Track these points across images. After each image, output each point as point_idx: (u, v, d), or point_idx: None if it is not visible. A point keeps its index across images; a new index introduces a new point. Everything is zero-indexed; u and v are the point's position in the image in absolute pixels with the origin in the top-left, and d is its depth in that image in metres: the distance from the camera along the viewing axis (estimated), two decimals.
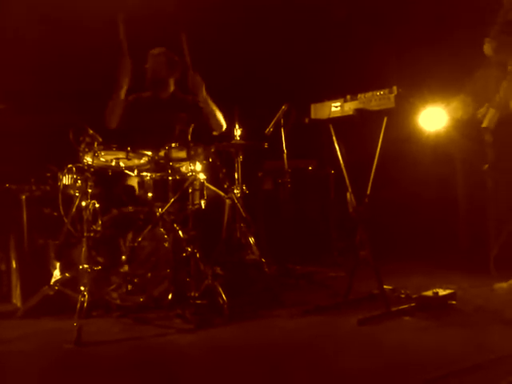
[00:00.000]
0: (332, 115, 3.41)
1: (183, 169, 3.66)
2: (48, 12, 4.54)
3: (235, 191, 4.17)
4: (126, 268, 3.27)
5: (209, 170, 3.83)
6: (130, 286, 3.24)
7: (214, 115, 4.11)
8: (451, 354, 2.54)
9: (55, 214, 3.38)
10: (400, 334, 2.89)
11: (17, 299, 3.50)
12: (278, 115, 4.44)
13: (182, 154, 3.51)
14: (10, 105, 4.30)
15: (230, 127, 4.27)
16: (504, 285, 3.65)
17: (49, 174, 3.61)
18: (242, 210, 4.05)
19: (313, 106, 3.50)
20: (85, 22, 4.57)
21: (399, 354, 2.56)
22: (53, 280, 3.28)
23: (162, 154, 3.47)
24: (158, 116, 4.04)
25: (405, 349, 2.64)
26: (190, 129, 4.19)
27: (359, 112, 3.29)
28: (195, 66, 4.08)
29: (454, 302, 3.30)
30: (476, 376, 2.28)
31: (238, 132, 4.26)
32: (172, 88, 4.20)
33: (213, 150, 3.85)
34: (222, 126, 4.17)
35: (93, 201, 3.22)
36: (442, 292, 3.29)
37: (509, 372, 2.25)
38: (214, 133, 4.20)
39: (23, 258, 3.42)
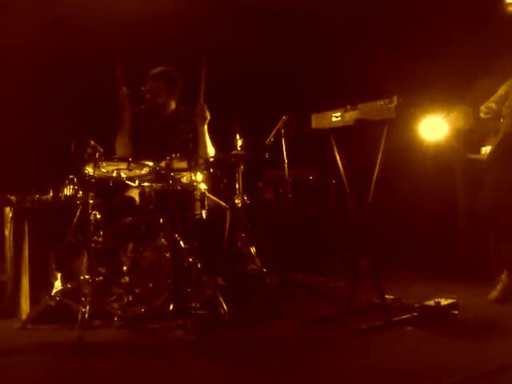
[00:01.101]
0: (332, 125, 3.42)
1: (184, 179, 3.67)
2: (51, 17, 4.57)
3: (236, 201, 4.18)
4: (127, 278, 3.27)
5: (210, 180, 3.84)
6: (131, 297, 3.23)
7: (205, 147, 4.07)
8: (453, 364, 2.54)
9: (57, 224, 3.39)
10: (401, 344, 2.88)
11: (18, 309, 3.50)
12: (278, 125, 4.46)
13: (183, 165, 3.52)
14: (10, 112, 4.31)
15: (231, 137, 4.28)
16: (495, 293, 3.64)
17: (50, 185, 3.61)
18: (243, 219, 4.05)
19: (313, 116, 3.52)
20: (87, 27, 4.60)
21: (400, 365, 2.56)
22: (54, 290, 3.27)
23: (163, 164, 3.48)
24: (159, 127, 4.04)
25: (406, 359, 2.63)
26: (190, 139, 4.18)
27: (359, 122, 3.30)
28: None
29: (456, 312, 3.29)
30: None
31: (238, 142, 4.27)
32: (173, 106, 4.13)
33: (213, 161, 3.87)
34: (207, 155, 4.08)
35: (94, 211, 3.22)
36: (443, 302, 3.28)
37: (510, 381, 2.24)
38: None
39: (25, 268, 3.42)
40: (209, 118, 4.04)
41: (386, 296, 3.26)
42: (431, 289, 3.91)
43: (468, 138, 4.07)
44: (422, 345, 2.84)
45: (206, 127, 4.06)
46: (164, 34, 4.73)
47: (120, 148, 3.93)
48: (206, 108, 4.03)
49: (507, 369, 2.39)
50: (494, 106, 3.85)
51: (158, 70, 4.03)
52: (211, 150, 4.13)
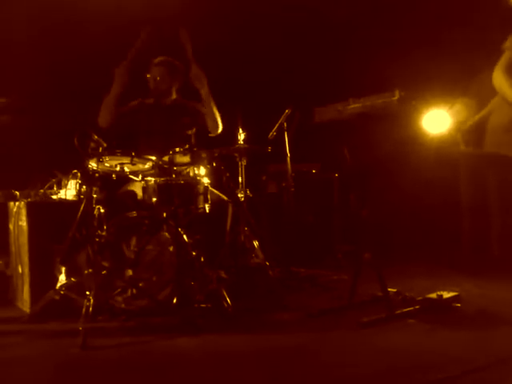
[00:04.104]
0: (335, 118, 3.42)
1: (187, 173, 3.68)
2: (50, 13, 4.56)
3: (239, 195, 4.19)
4: (130, 272, 3.29)
5: (213, 174, 3.85)
6: (134, 290, 3.25)
7: (213, 115, 4.09)
8: (455, 356, 2.55)
9: (60, 219, 3.40)
10: (404, 336, 2.89)
11: (22, 304, 3.53)
12: (281, 119, 4.46)
13: (186, 159, 3.53)
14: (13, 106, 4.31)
15: (234, 131, 4.29)
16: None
17: (54, 180, 3.63)
18: (246, 213, 4.06)
19: (316, 110, 3.52)
20: (88, 23, 4.60)
21: (402, 357, 2.57)
22: (58, 284, 3.30)
23: (166, 158, 3.49)
24: (161, 121, 4.06)
25: (408, 351, 2.64)
26: (193, 133, 4.21)
27: (362, 116, 3.29)
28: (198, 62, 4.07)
29: (458, 305, 3.31)
30: (478, 378, 2.29)
31: (241, 136, 4.28)
32: (175, 95, 4.22)
33: (216, 155, 3.88)
34: (218, 127, 4.11)
35: (98, 206, 3.24)
36: (446, 294, 3.30)
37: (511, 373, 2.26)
38: (210, 134, 4.17)
39: (29, 262, 3.44)
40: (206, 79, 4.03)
41: (389, 289, 3.27)
42: (434, 282, 3.92)
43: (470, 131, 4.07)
44: (423, 337, 2.85)
45: (207, 90, 4.03)
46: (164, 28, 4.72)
47: (104, 115, 3.98)
48: (199, 68, 4.02)
49: (507, 361, 2.40)
50: None
51: (160, 57, 4.15)
52: (218, 118, 4.10)
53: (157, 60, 4.16)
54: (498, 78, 3.73)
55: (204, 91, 4.05)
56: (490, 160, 4.10)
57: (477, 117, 3.99)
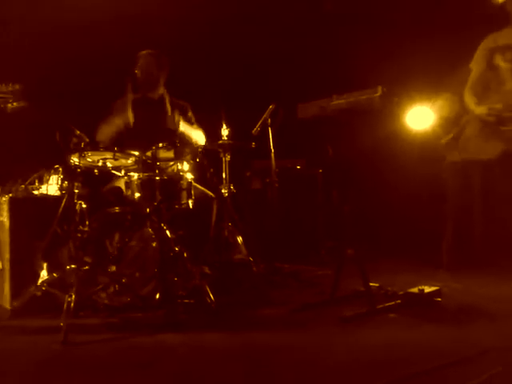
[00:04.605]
0: (318, 114, 3.43)
1: (170, 169, 3.67)
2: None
3: (223, 191, 4.19)
4: (113, 268, 3.28)
5: (196, 169, 3.84)
6: (117, 286, 3.24)
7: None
8: (435, 349, 2.57)
9: (41, 214, 3.38)
10: (385, 330, 2.91)
11: (3, 300, 3.49)
12: (265, 115, 4.45)
13: (170, 154, 3.52)
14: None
15: (218, 127, 4.28)
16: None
17: (35, 175, 3.60)
18: (229, 209, 4.06)
19: (300, 106, 3.52)
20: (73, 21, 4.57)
21: (384, 351, 2.59)
22: (40, 280, 3.27)
23: (149, 154, 3.47)
24: (149, 116, 4.06)
25: (389, 345, 2.66)
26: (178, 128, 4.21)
27: (345, 112, 3.30)
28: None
29: (439, 299, 3.34)
30: (459, 370, 2.31)
31: (225, 132, 4.27)
32: (161, 89, 4.22)
33: (200, 150, 3.87)
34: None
35: (80, 201, 3.22)
36: (427, 289, 3.32)
37: (491, 365, 2.28)
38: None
39: (10, 258, 3.41)
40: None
41: (371, 284, 3.29)
42: (416, 277, 3.94)
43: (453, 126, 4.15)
44: (405, 331, 2.88)
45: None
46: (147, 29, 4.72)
47: (100, 138, 3.97)
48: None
49: (487, 353, 2.43)
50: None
51: (146, 50, 4.20)
52: (200, 137, 4.17)
53: (144, 52, 4.19)
54: (465, 97, 4.20)
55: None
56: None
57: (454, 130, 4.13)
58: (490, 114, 4.00)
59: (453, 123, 4.26)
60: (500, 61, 4.02)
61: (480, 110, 4.07)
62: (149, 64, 4.16)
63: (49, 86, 4.61)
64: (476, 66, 4.20)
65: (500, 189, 4.15)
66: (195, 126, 4.26)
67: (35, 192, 3.59)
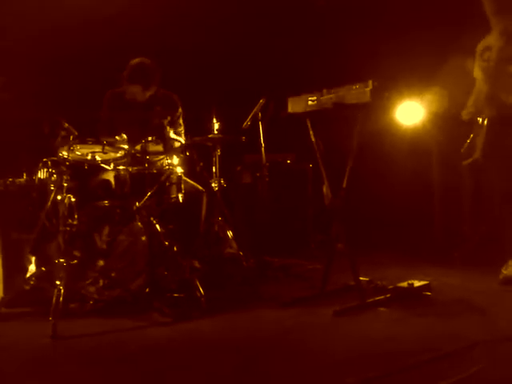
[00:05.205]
0: (309, 109, 3.42)
1: (160, 163, 3.65)
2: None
3: (213, 185, 4.18)
4: (102, 262, 3.26)
5: (186, 163, 3.83)
6: (106, 280, 3.22)
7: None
8: (424, 343, 2.58)
9: (30, 208, 3.35)
10: (375, 324, 2.93)
11: None
12: (255, 109, 4.44)
13: (159, 148, 3.50)
14: None
15: (208, 121, 4.27)
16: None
17: (24, 168, 3.57)
18: (220, 203, 4.05)
19: (290, 100, 3.51)
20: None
21: (373, 344, 2.60)
22: (28, 274, 3.25)
23: (138, 147, 3.46)
24: (136, 111, 4.02)
25: (379, 339, 2.67)
26: (166, 122, 4.17)
27: (337, 106, 3.29)
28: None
29: (428, 293, 3.35)
30: (448, 363, 2.33)
31: (215, 126, 4.26)
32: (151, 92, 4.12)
33: (190, 144, 3.85)
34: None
35: (68, 195, 3.20)
36: (416, 283, 3.34)
37: (480, 358, 2.30)
38: None
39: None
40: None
41: (361, 278, 3.30)
42: (406, 271, 3.96)
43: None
44: (394, 325, 2.89)
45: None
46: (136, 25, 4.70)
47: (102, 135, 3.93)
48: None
49: (475, 347, 2.45)
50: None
51: (134, 69, 3.95)
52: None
53: (129, 73, 3.93)
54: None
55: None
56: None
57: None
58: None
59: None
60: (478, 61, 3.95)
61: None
62: (134, 90, 4.00)
63: (35, 79, 4.58)
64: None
65: (490, 184, 4.15)
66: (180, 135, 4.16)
67: (23, 185, 3.56)
